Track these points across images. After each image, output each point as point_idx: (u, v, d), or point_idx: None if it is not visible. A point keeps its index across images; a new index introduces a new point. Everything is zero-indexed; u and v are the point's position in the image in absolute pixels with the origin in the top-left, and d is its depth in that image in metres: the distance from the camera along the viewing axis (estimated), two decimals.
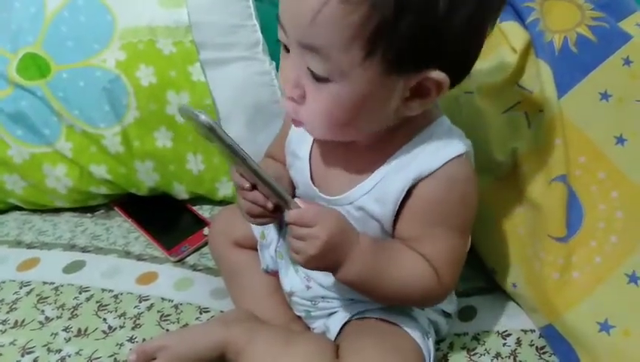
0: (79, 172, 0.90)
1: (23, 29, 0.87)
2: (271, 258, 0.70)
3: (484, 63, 0.71)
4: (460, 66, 0.51)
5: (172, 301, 0.76)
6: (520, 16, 0.73)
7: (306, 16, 0.45)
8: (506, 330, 0.69)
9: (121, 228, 0.92)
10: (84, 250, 0.87)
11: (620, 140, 0.65)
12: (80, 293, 0.78)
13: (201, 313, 0.74)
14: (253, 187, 0.55)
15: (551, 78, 0.67)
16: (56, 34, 0.86)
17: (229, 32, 0.88)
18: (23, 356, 0.69)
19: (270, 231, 0.69)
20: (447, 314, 0.67)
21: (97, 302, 0.76)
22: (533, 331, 0.69)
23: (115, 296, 0.77)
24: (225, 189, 0.93)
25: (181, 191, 0.94)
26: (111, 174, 0.90)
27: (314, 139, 0.61)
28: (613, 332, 0.61)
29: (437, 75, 0.48)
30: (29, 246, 0.88)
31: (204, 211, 0.95)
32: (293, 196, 0.57)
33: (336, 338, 0.63)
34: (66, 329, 0.72)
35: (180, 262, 0.84)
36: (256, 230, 0.72)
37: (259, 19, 0.90)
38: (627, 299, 0.62)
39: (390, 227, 0.56)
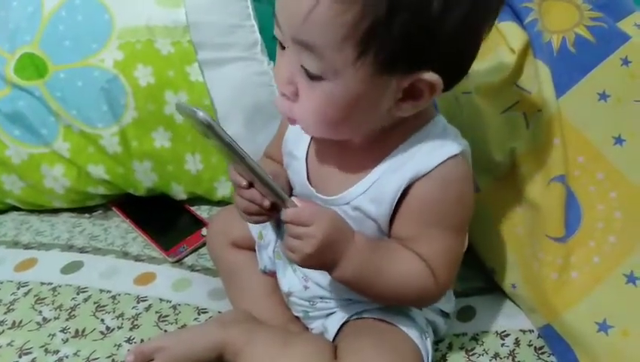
0: (77, 172, 0.90)
1: (21, 28, 0.86)
2: (269, 258, 0.69)
3: (482, 63, 0.71)
4: (454, 68, 0.51)
5: (170, 301, 0.76)
6: (518, 17, 0.73)
7: (301, 14, 0.45)
8: (505, 330, 0.69)
9: (119, 228, 0.92)
10: (82, 250, 0.86)
11: (619, 140, 0.65)
12: (78, 294, 0.78)
13: (199, 314, 0.74)
14: (251, 185, 0.55)
15: (549, 78, 0.67)
16: (54, 33, 0.86)
17: (227, 32, 0.88)
18: (20, 357, 0.68)
19: (268, 231, 0.69)
20: (445, 314, 0.67)
21: (95, 302, 0.76)
22: (531, 331, 0.69)
23: (113, 297, 0.77)
24: (223, 189, 0.93)
25: (179, 192, 0.94)
26: (109, 174, 0.90)
27: (310, 140, 0.61)
28: (612, 332, 0.61)
29: (430, 76, 0.48)
30: (27, 246, 0.88)
31: (202, 212, 0.95)
32: (291, 195, 0.57)
33: (334, 339, 0.63)
34: (63, 330, 0.72)
35: (178, 262, 0.84)
36: (254, 231, 0.72)
37: (257, 19, 0.90)
38: (625, 299, 0.62)
39: (386, 227, 0.56)
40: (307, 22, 0.45)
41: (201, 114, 0.47)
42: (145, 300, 0.76)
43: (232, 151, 0.50)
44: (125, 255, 0.85)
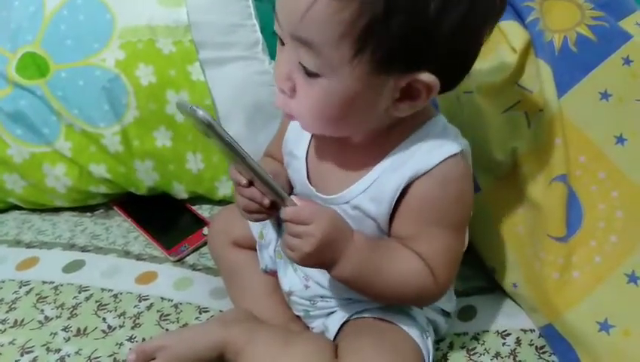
0: (79, 171, 0.90)
1: (22, 27, 0.87)
2: (270, 258, 0.70)
3: (483, 63, 0.71)
4: (453, 69, 0.51)
5: (171, 300, 0.76)
6: (520, 16, 0.73)
7: (299, 10, 0.45)
8: (506, 330, 0.69)
9: (120, 227, 0.92)
10: (83, 249, 0.86)
11: (620, 140, 0.65)
12: (79, 293, 0.78)
13: (200, 313, 0.74)
14: (251, 184, 0.56)
15: (551, 77, 0.67)
16: (56, 33, 0.86)
17: (228, 32, 0.88)
18: (22, 355, 0.68)
19: (269, 230, 0.69)
20: (446, 313, 0.67)
21: (97, 301, 0.76)
22: (532, 331, 0.69)
23: (115, 296, 0.77)
24: (224, 188, 0.93)
25: (181, 191, 0.94)
26: (110, 173, 0.90)
27: (311, 139, 0.61)
28: (613, 331, 0.61)
29: (427, 77, 0.48)
30: (29, 245, 0.88)
31: (203, 211, 0.95)
32: (291, 194, 0.58)
33: (335, 338, 0.63)
34: (65, 329, 0.72)
35: (180, 261, 0.84)
36: (255, 230, 0.72)
37: (258, 18, 0.90)
38: (627, 298, 0.62)
39: (386, 226, 0.57)
40: (305, 18, 0.45)
41: (201, 113, 0.47)
42: (146, 299, 0.76)
43: (231, 150, 0.50)
44: (127, 254, 0.85)
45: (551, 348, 0.66)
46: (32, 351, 0.69)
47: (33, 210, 0.97)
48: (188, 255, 0.85)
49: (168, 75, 0.86)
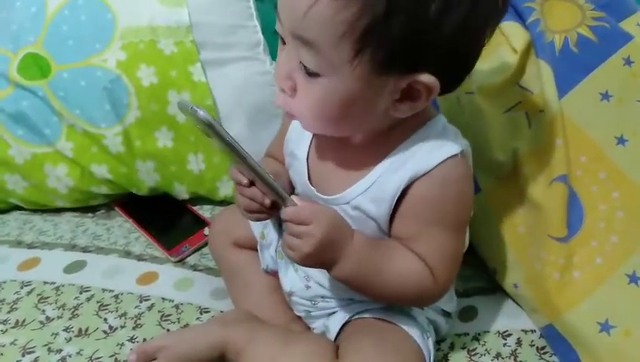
0: (80, 172, 0.90)
1: (24, 28, 0.87)
2: (271, 258, 0.70)
3: (484, 63, 0.71)
4: (454, 70, 0.51)
5: (172, 301, 0.76)
6: (520, 17, 0.73)
7: (300, 10, 0.46)
8: (507, 330, 0.69)
9: (121, 228, 0.92)
10: (84, 249, 0.87)
11: (621, 140, 0.65)
12: (81, 293, 0.78)
13: (201, 313, 0.74)
14: (252, 183, 0.56)
15: (551, 78, 0.67)
16: (57, 33, 0.86)
17: (229, 32, 0.88)
18: (23, 356, 0.69)
19: (270, 231, 0.69)
20: (446, 314, 0.67)
21: (98, 302, 0.76)
22: (533, 331, 0.69)
23: (116, 296, 0.77)
24: (225, 189, 0.93)
25: (182, 191, 0.94)
26: (112, 174, 0.90)
27: (312, 140, 0.61)
28: (614, 332, 0.60)
29: (427, 78, 0.48)
30: (30, 246, 0.88)
31: (204, 211, 0.95)
32: (292, 194, 0.58)
33: (336, 338, 0.63)
34: (66, 329, 0.72)
35: (181, 262, 0.84)
36: (256, 230, 0.72)
37: (260, 19, 0.90)
38: (628, 299, 0.62)
39: (387, 226, 0.57)
40: (306, 18, 0.45)
41: (201, 113, 0.47)
42: (147, 299, 0.76)
43: (232, 151, 0.50)
44: (128, 254, 0.85)
45: (552, 349, 0.66)
46: (33, 352, 0.69)
47: (34, 211, 0.97)
48: (189, 255, 0.85)
49: (170, 76, 0.86)
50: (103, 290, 0.78)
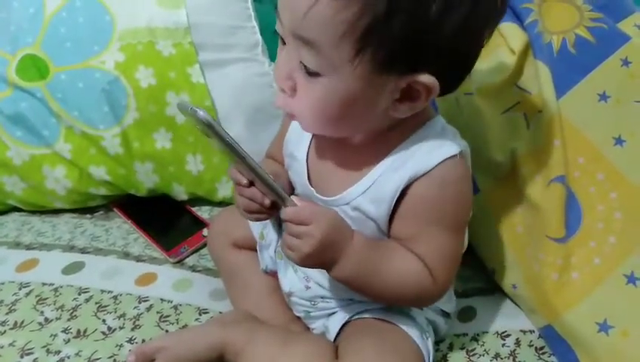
0: (78, 173, 0.90)
1: (22, 29, 0.87)
2: (270, 258, 0.70)
3: (483, 64, 0.71)
4: (453, 71, 0.51)
5: (171, 302, 0.76)
6: (519, 18, 0.73)
7: (301, 9, 0.46)
8: (506, 331, 0.69)
9: (120, 229, 0.92)
10: (83, 251, 0.86)
11: (619, 141, 0.65)
12: (79, 294, 0.78)
13: (200, 314, 0.74)
14: (251, 184, 0.56)
15: (549, 79, 0.67)
16: (55, 35, 0.86)
17: (228, 34, 0.88)
18: (22, 357, 0.68)
19: (269, 231, 0.69)
20: (446, 314, 0.67)
21: (97, 303, 0.76)
22: (532, 332, 0.69)
23: (115, 297, 0.77)
24: (224, 190, 0.93)
25: (180, 192, 0.94)
26: (110, 175, 0.90)
27: (311, 141, 0.61)
28: (612, 332, 0.61)
29: (427, 78, 0.48)
30: (29, 247, 0.88)
31: (203, 212, 0.95)
32: (292, 195, 0.58)
33: (335, 339, 0.63)
34: (65, 331, 0.72)
35: (179, 263, 0.84)
36: (256, 230, 0.72)
37: (258, 20, 0.90)
38: (626, 299, 0.62)
39: (386, 227, 0.57)
40: (307, 17, 0.46)
41: (201, 113, 0.47)
42: (146, 300, 0.76)
43: (232, 151, 0.50)
44: (126, 255, 0.85)
45: (550, 349, 0.66)
46: (31, 353, 0.69)
47: (33, 212, 0.97)
48: (188, 256, 0.85)
49: (168, 77, 0.86)
50: (102, 291, 0.78)
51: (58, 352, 0.69)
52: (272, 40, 0.85)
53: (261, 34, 0.90)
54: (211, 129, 0.48)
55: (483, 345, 0.68)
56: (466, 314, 0.72)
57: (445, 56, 0.48)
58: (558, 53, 0.68)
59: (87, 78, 0.86)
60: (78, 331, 0.72)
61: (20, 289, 0.79)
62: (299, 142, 0.62)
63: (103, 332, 0.72)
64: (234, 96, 0.89)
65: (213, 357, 0.61)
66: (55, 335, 0.71)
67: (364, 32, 0.45)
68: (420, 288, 0.56)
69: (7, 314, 0.75)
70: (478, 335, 0.69)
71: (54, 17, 0.86)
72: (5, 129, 0.88)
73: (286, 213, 0.52)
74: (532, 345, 0.67)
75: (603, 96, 0.67)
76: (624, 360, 0.60)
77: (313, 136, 0.61)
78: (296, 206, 0.52)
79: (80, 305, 0.76)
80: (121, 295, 0.77)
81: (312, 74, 0.49)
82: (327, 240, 0.51)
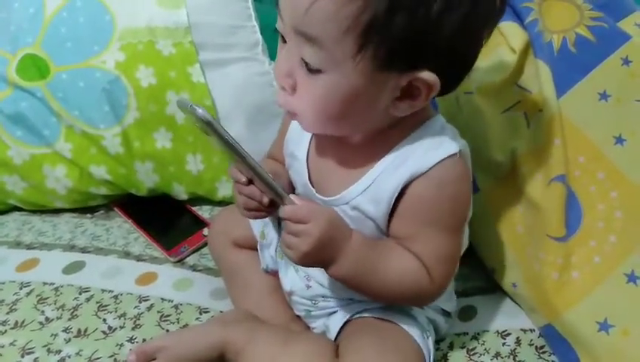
0: (79, 173, 0.90)
1: (23, 29, 0.87)
2: (271, 257, 0.70)
3: (483, 63, 0.71)
4: (453, 70, 0.51)
5: (172, 301, 0.76)
6: (519, 17, 0.73)
7: (303, 5, 0.46)
8: (506, 330, 0.69)
9: (120, 228, 0.92)
10: (83, 250, 0.87)
11: (619, 140, 0.65)
12: (80, 294, 0.78)
13: (201, 313, 0.74)
14: (250, 182, 0.56)
15: (550, 78, 0.67)
16: (56, 35, 0.86)
17: (228, 33, 0.88)
18: (22, 357, 0.69)
19: (270, 230, 0.69)
20: (446, 313, 0.67)
21: (97, 302, 0.76)
22: (532, 331, 0.69)
23: (115, 297, 0.77)
24: (224, 189, 0.93)
25: (181, 192, 0.94)
26: (111, 175, 0.90)
27: (311, 140, 0.61)
28: (613, 331, 0.61)
29: (428, 75, 0.48)
30: (29, 246, 0.88)
31: (203, 212, 0.95)
32: (291, 193, 0.58)
33: (336, 338, 0.63)
34: (65, 330, 0.72)
35: (180, 262, 0.84)
36: (256, 230, 0.72)
37: (259, 20, 0.90)
38: (626, 298, 0.62)
39: (385, 226, 0.57)
40: (309, 13, 0.45)
41: (200, 111, 0.47)
42: (147, 300, 0.76)
43: (231, 149, 0.50)
44: (127, 255, 0.85)
45: (551, 348, 0.66)
46: (32, 352, 0.69)
47: (33, 212, 0.97)
48: (188, 256, 0.85)
49: (168, 77, 0.86)
50: (103, 291, 0.78)
51: (59, 352, 0.69)
52: (272, 39, 0.85)
53: (261, 33, 0.90)
54: (210, 127, 0.48)
55: (483, 344, 0.68)
56: (467, 313, 0.72)
57: (446, 53, 0.48)
58: (559, 52, 0.68)
59: (88, 78, 0.86)
60: (79, 330, 0.72)
61: (20, 288, 0.79)
62: (299, 141, 0.62)
63: (104, 332, 0.72)
64: (234, 95, 0.89)
65: (213, 357, 0.61)
66: (56, 335, 0.71)
67: (367, 27, 0.45)
68: (418, 287, 0.56)
69: (7, 313, 0.75)
70: (478, 334, 0.69)
71: (55, 17, 0.87)
72: (6, 128, 0.89)
73: (284, 211, 0.52)
74: (532, 344, 0.67)
75: (603, 95, 0.67)
76: (624, 359, 0.60)
77: (313, 135, 0.61)
78: (295, 204, 0.52)
79: (80, 304, 0.76)
80: (121, 294, 0.77)
81: (313, 71, 0.49)
82: (325, 238, 0.51)
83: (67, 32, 0.86)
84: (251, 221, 0.72)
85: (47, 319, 0.74)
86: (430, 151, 0.53)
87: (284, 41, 0.51)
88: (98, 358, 0.68)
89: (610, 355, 0.60)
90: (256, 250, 0.72)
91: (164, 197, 0.96)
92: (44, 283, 0.80)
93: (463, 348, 0.67)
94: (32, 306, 0.76)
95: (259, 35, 0.90)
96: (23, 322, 0.73)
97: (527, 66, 0.70)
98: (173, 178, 0.92)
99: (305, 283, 0.64)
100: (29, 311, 0.75)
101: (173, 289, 0.78)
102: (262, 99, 0.89)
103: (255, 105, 0.89)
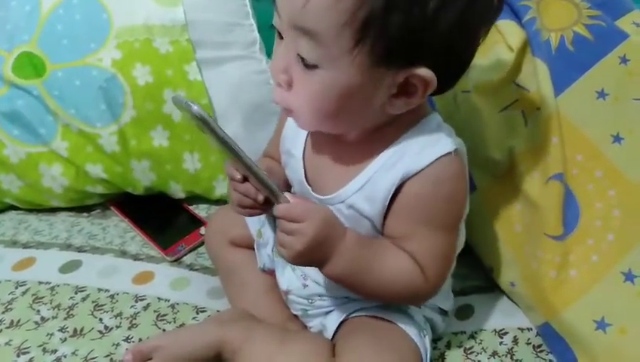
0: (75, 171, 0.90)
1: (19, 27, 0.86)
2: (268, 256, 0.70)
3: (481, 62, 0.71)
4: (450, 67, 0.51)
5: (168, 301, 0.76)
6: (517, 15, 0.73)
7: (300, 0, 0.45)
8: (503, 329, 0.69)
9: (117, 227, 0.91)
10: (80, 249, 0.86)
11: (617, 139, 0.65)
12: (76, 293, 0.77)
13: (197, 313, 0.74)
14: (245, 179, 0.55)
15: (548, 76, 0.67)
16: (52, 32, 0.86)
17: (225, 31, 0.88)
18: (18, 356, 0.68)
19: (267, 229, 0.69)
20: (443, 312, 0.67)
21: (93, 301, 0.76)
22: (530, 329, 0.69)
23: (112, 296, 0.77)
24: (221, 188, 0.93)
25: (178, 191, 0.94)
26: (107, 173, 0.90)
27: (307, 138, 0.61)
28: (610, 330, 0.61)
29: (424, 72, 0.48)
30: (25, 245, 0.88)
31: (200, 210, 0.95)
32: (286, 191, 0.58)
33: (333, 337, 0.63)
34: (61, 330, 0.72)
35: (177, 261, 0.84)
36: (253, 229, 0.72)
37: (256, 18, 0.90)
38: (623, 297, 0.62)
39: (381, 225, 0.57)
40: (307, 7, 0.45)
41: (195, 108, 0.47)
42: (143, 299, 0.76)
43: (226, 147, 0.50)
44: (124, 254, 0.85)
45: (548, 347, 0.66)
46: (28, 352, 0.69)
47: (30, 210, 0.96)
48: (185, 255, 0.85)
49: (165, 75, 0.86)
50: (99, 290, 0.78)
51: (54, 351, 0.69)
52: (269, 37, 0.85)
53: (259, 31, 0.90)
54: (205, 124, 0.48)
55: (481, 342, 0.68)
56: (464, 312, 0.72)
57: (442, 51, 0.48)
58: (557, 51, 0.68)
59: (84, 76, 0.85)
60: (75, 330, 0.72)
61: (16, 288, 0.79)
62: (295, 138, 0.62)
63: (100, 331, 0.71)
64: (231, 93, 0.89)
65: (210, 356, 0.61)
66: (51, 334, 0.71)
67: (364, 22, 0.45)
68: (412, 286, 0.55)
69: (3, 313, 0.75)
70: (475, 333, 0.69)
71: (51, 14, 0.86)
72: (2, 127, 0.88)
73: (279, 209, 0.52)
74: (530, 343, 0.67)
75: (601, 94, 0.67)
76: (622, 357, 0.60)
77: (309, 132, 0.61)
78: (289, 203, 0.52)
79: (77, 303, 0.76)
80: (118, 294, 0.77)
81: (309, 66, 0.49)
82: (319, 237, 0.51)
83: (63, 30, 0.86)
84: (248, 220, 0.72)
85: (42, 318, 0.73)
86: (426, 149, 0.53)
87: (281, 38, 0.51)
88: (94, 358, 0.68)
89: (608, 354, 0.60)
90: (253, 249, 0.72)
91: (161, 195, 0.96)
92: (40, 283, 0.79)
93: (460, 346, 0.67)
94: (28, 305, 0.76)
95: (256, 34, 0.90)
96: (19, 321, 0.73)
97: (524, 65, 0.70)
98: (170, 176, 0.92)
99: (302, 283, 0.64)
100: (25, 310, 0.75)
101: (169, 289, 0.78)
102: (259, 98, 0.89)
103: (252, 103, 0.89)
